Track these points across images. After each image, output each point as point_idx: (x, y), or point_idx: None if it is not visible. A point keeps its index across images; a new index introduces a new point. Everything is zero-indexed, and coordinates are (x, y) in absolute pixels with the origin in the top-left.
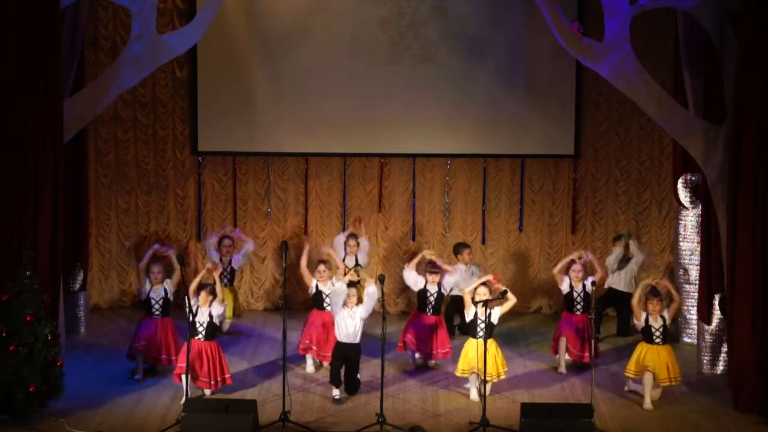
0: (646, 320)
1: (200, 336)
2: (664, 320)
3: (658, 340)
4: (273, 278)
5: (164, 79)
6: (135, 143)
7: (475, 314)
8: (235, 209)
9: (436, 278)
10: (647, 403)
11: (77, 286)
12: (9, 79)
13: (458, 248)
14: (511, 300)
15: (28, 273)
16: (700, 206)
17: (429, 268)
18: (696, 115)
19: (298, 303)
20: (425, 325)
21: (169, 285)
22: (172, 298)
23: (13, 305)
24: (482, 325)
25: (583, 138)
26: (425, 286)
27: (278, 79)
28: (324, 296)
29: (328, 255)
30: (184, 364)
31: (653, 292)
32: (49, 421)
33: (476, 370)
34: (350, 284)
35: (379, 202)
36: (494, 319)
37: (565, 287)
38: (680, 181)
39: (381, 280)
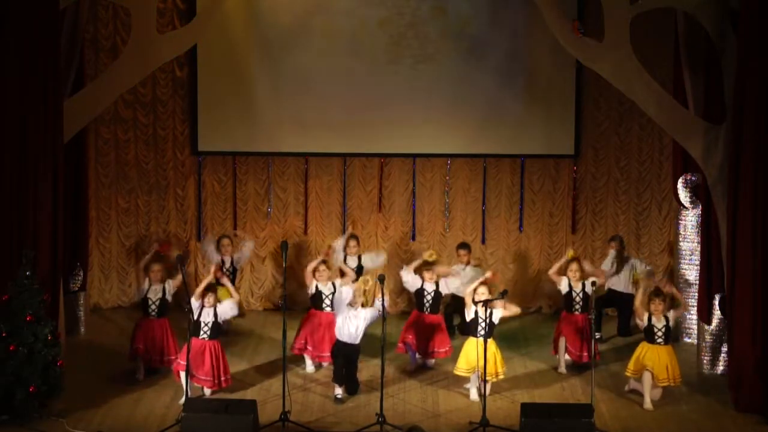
0: (649, 320)
1: (204, 336)
2: (667, 320)
3: (660, 340)
4: (273, 278)
5: (164, 79)
6: (135, 143)
7: (476, 314)
8: (235, 209)
9: (433, 276)
10: (647, 403)
11: (77, 286)
12: (9, 79)
13: (458, 248)
14: (514, 309)
15: (28, 273)
16: (700, 206)
17: (424, 266)
18: (696, 115)
19: (298, 303)
20: (425, 324)
21: (170, 285)
22: (170, 299)
23: (13, 305)
24: (483, 325)
25: (583, 138)
26: (422, 285)
27: (278, 79)
28: (324, 296)
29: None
30: (185, 362)
31: (656, 292)
32: (49, 421)
33: (476, 370)
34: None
35: (379, 202)
36: (495, 319)
37: (564, 287)
38: (680, 181)
39: (381, 280)
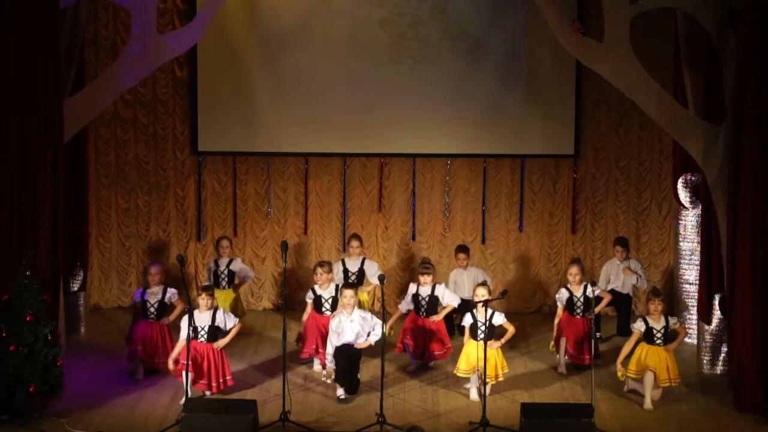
0: (646, 322)
1: (202, 339)
2: (667, 321)
3: (659, 342)
4: (273, 278)
5: (164, 79)
6: (135, 143)
7: (474, 316)
8: (235, 209)
9: (428, 279)
10: (647, 403)
11: (77, 286)
12: (9, 79)
13: (457, 252)
14: (510, 330)
15: (28, 273)
16: (700, 206)
17: (420, 268)
18: (696, 115)
19: (298, 303)
20: (422, 328)
21: (171, 295)
22: (169, 303)
23: (13, 305)
24: (483, 328)
25: (583, 138)
26: (417, 290)
27: (278, 79)
28: (323, 300)
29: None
30: (185, 362)
31: (654, 292)
32: (49, 421)
33: (477, 369)
34: (347, 285)
35: (379, 202)
36: (495, 322)
37: (563, 295)
38: (680, 181)
39: (381, 280)
